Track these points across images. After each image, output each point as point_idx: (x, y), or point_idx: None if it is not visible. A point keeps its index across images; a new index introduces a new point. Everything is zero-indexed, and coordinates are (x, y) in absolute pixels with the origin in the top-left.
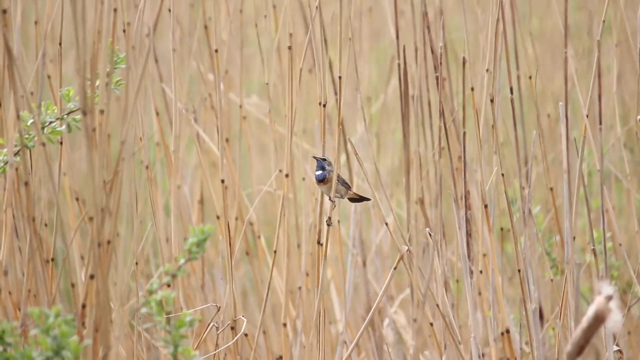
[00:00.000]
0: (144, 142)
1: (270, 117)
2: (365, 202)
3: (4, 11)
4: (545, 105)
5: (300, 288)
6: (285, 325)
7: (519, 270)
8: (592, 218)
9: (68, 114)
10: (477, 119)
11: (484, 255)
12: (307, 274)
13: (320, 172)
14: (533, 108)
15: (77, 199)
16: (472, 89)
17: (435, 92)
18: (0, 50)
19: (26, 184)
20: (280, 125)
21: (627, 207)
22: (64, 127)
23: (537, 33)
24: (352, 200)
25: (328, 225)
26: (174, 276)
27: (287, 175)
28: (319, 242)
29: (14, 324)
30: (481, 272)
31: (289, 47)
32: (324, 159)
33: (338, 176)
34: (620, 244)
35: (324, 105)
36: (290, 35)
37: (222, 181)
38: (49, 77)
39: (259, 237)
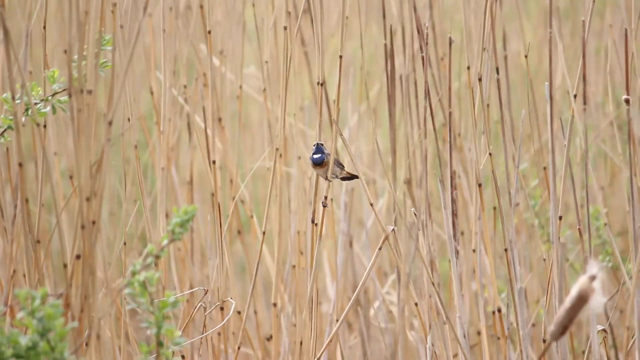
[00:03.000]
0: (132, 122)
1: (264, 95)
2: (355, 180)
3: None
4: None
5: (294, 267)
6: (275, 305)
7: (506, 250)
8: (582, 197)
9: (53, 95)
10: (473, 97)
11: (477, 234)
12: (302, 253)
13: (318, 155)
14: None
15: (70, 177)
16: (468, 68)
17: (428, 72)
18: None
19: (20, 165)
20: (275, 104)
21: (620, 187)
22: (48, 108)
23: (532, 13)
24: (343, 178)
25: (324, 206)
26: (157, 257)
27: (280, 155)
28: (313, 222)
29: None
30: (474, 250)
31: (285, 28)
32: (322, 144)
33: (335, 159)
34: (605, 224)
35: (322, 85)
36: (289, 13)
37: (214, 162)
38: (46, 55)
39: (252, 216)
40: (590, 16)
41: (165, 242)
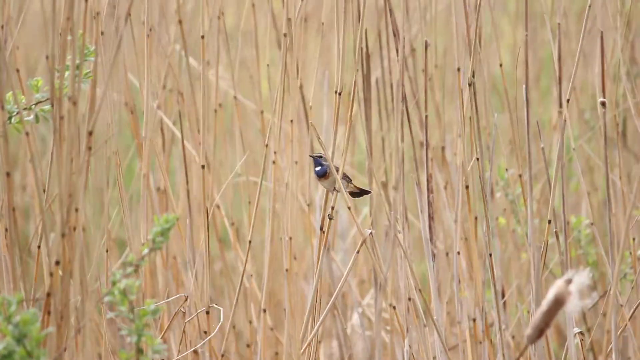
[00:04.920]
0: (113, 131)
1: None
2: (365, 195)
3: None
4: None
5: (287, 270)
6: (265, 311)
7: (490, 255)
8: (570, 202)
9: (36, 104)
10: (461, 100)
11: (466, 238)
12: (295, 258)
13: (319, 167)
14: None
15: (44, 191)
16: (458, 70)
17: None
18: None
19: (8, 174)
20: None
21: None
22: (32, 117)
23: (514, 16)
24: (353, 194)
25: (330, 218)
26: (137, 266)
27: (274, 162)
28: (321, 229)
29: None
30: (458, 253)
31: (284, 35)
32: (320, 156)
33: (343, 173)
34: (589, 225)
35: (339, 94)
36: (289, 19)
37: (203, 167)
38: (17, 70)
39: (233, 224)
40: (587, 20)
41: (145, 251)
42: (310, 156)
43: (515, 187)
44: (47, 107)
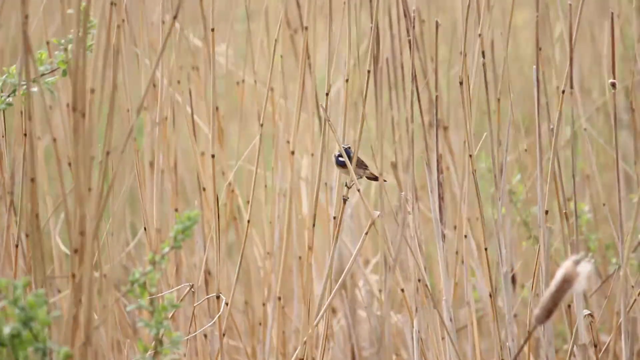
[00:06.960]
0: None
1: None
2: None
3: None
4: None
5: (300, 258)
6: (280, 298)
7: (485, 249)
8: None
9: (41, 75)
10: (468, 82)
11: (477, 219)
12: (310, 248)
13: (342, 158)
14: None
15: (69, 164)
16: (464, 55)
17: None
18: None
19: (32, 180)
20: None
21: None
22: (36, 89)
23: None
24: (369, 179)
25: (345, 199)
26: (155, 264)
27: (292, 153)
28: (334, 217)
29: None
30: (465, 236)
31: (306, 28)
32: (349, 147)
33: (358, 159)
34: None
35: (347, 80)
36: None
37: (213, 156)
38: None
39: (248, 201)
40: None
41: (166, 249)
42: (342, 147)
43: (514, 174)
44: (51, 79)
